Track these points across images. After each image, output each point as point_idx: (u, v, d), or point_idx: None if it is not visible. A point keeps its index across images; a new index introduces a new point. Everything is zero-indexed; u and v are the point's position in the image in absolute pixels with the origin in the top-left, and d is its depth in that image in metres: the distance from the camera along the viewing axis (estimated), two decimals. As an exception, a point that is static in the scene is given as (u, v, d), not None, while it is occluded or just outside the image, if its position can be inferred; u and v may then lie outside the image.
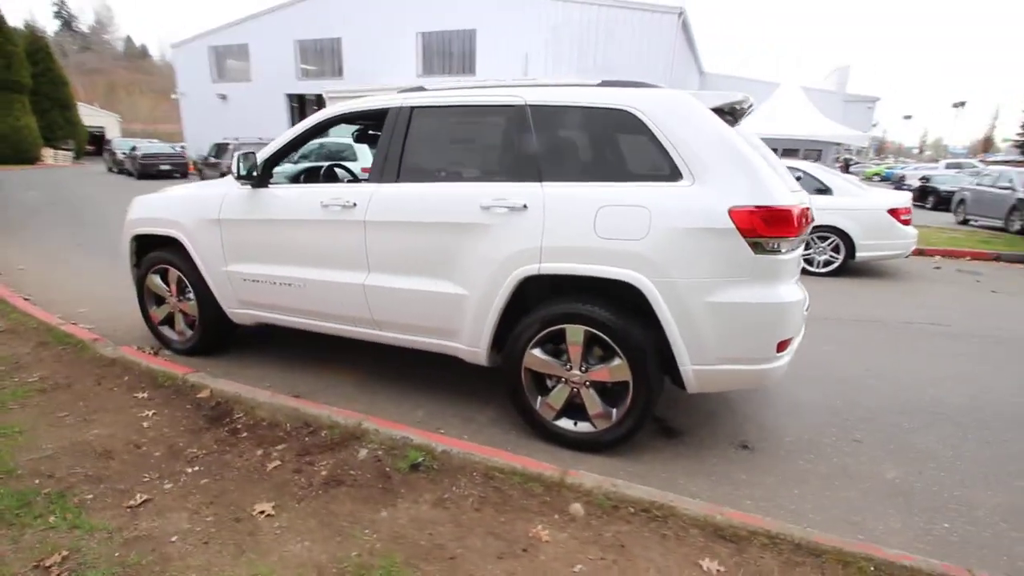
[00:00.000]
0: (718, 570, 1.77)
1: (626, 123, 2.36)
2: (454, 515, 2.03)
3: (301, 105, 24.76)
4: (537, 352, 2.53)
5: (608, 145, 2.45)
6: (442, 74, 20.47)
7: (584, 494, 2.10)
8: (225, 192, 3.23)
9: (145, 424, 2.64)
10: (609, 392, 2.49)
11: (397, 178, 2.77)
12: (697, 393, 2.52)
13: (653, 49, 16.97)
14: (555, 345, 2.53)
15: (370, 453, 2.40)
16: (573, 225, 2.34)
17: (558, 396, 2.55)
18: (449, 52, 20.55)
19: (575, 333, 2.43)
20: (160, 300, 3.71)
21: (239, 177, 3.01)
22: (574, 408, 2.56)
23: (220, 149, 14.75)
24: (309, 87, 23.26)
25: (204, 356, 3.60)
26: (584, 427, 2.54)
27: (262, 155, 3.10)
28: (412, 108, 2.78)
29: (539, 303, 2.50)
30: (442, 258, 2.63)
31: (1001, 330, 4.76)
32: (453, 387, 3.21)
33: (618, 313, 2.35)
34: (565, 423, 2.58)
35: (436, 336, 2.80)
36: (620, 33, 17.35)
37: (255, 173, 3.03)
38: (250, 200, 3.13)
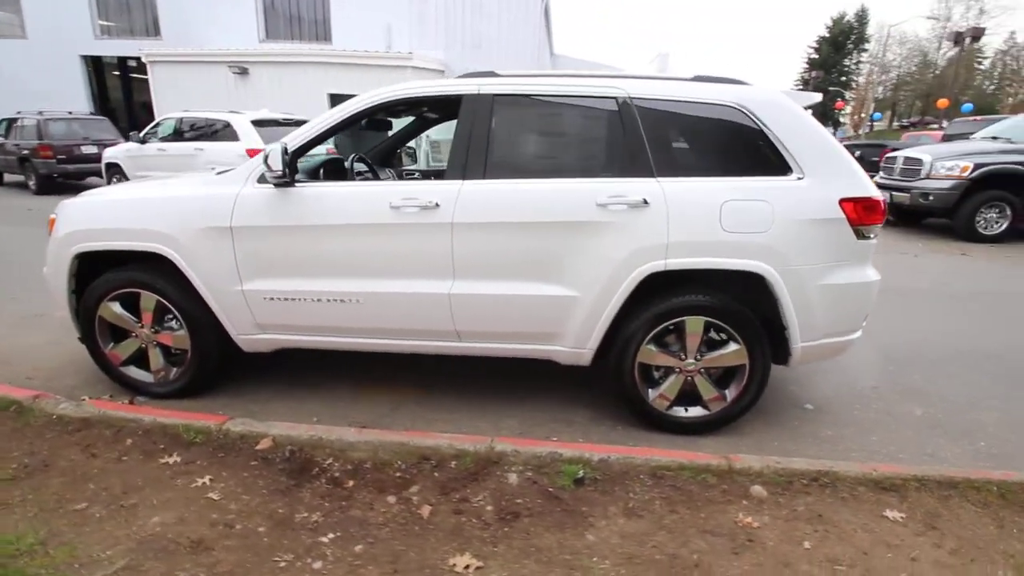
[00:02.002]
0: (900, 517, 2.04)
1: (735, 119, 2.45)
2: (656, 522, 2.00)
3: (99, 70, 20.19)
4: (651, 347, 2.56)
5: (719, 140, 2.52)
6: (290, 40, 18.22)
7: (755, 475, 2.22)
8: (236, 193, 2.59)
9: (214, 496, 2.08)
10: (720, 376, 2.63)
11: (484, 174, 2.50)
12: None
13: (521, 26, 17.20)
14: (664, 337, 2.58)
15: (520, 476, 2.21)
16: (700, 220, 2.38)
17: (672, 386, 2.61)
18: (299, 16, 18.34)
19: (695, 324, 2.50)
20: (121, 334, 2.88)
21: (279, 177, 2.44)
22: (684, 395, 2.65)
23: (10, 125, 11.43)
24: (112, 48, 18.98)
25: (191, 396, 2.91)
26: (696, 412, 2.65)
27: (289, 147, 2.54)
28: (494, 96, 2.52)
29: (647, 299, 2.51)
30: (547, 259, 2.48)
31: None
32: (527, 392, 3.07)
33: (736, 302, 2.48)
34: (677, 410, 2.66)
35: (531, 342, 2.65)
36: (488, 8, 17.22)
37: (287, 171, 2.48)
38: (278, 203, 2.56)
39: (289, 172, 2.46)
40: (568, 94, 2.51)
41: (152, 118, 14.52)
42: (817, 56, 54.68)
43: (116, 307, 2.79)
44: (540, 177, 2.50)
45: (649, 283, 2.46)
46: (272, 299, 2.65)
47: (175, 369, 2.89)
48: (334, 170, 3.13)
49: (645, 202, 2.39)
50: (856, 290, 2.50)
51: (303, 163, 2.87)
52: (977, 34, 22.63)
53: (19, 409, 2.58)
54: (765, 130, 2.43)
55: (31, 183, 11.14)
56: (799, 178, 2.42)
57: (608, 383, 2.68)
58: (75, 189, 11.67)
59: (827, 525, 2.00)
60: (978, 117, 13.47)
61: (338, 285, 2.60)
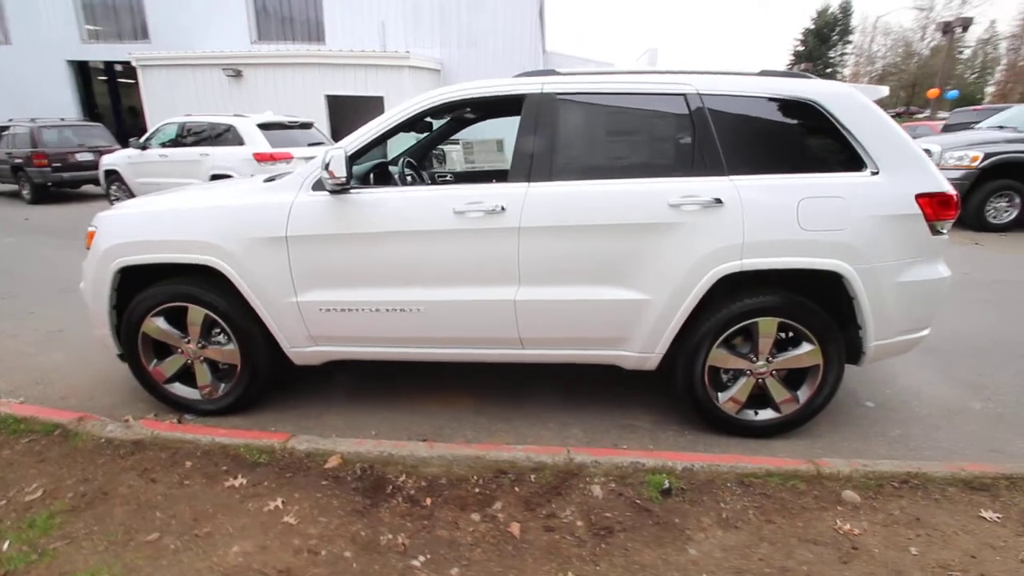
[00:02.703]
0: (996, 517, 1.99)
1: (807, 114, 2.39)
2: (755, 533, 1.94)
3: (85, 75, 19.79)
4: (722, 350, 2.50)
5: (790, 136, 2.47)
6: (283, 41, 17.94)
7: (844, 480, 2.17)
8: (290, 201, 2.49)
9: (290, 520, 1.99)
10: (790, 377, 2.58)
11: (550, 176, 2.43)
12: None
13: (517, 25, 17.08)
14: (733, 339, 2.52)
15: (604, 488, 2.14)
16: (776, 218, 2.32)
17: (743, 389, 2.55)
18: (290, 17, 18.05)
19: (769, 325, 2.44)
20: (165, 351, 2.77)
21: (342, 184, 2.34)
22: (754, 398, 2.59)
23: (0, 133, 11.13)
24: (99, 52, 18.57)
25: (240, 413, 2.81)
26: (767, 415, 2.60)
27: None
28: (556, 95, 2.44)
29: (717, 301, 2.44)
30: (616, 263, 2.41)
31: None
32: (582, 398, 3.00)
33: (810, 302, 2.42)
34: (747, 413, 2.61)
35: (597, 347, 2.58)
36: (484, 6, 17.07)
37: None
38: (335, 210, 2.47)
39: (349, 178, 2.37)
40: (634, 91, 2.44)
41: (140, 123, 14.29)
42: (803, 48, 55.02)
43: (161, 322, 2.68)
44: (608, 178, 2.42)
45: (720, 285, 2.40)
46: (328, 310, 2.55)
47: (223, 385, 2.78)
48: (381, 175, 3.03)
49: (719, 201, 2.32)
50: (930, 287, 2.45)
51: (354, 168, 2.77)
52: (966, 23, 22.84)
53: (64, 433, 2.47)
54: (838, 125, 2.38)
55: (25, 192, 10.86)
56: (873, 173, 2.37)
57: (665, 386, 2.63)
58: (71, 198, 11.44)
59: (927, 529, 1.95)
60: (978, 107, 13.58)
61: (398, 294, 2.51)
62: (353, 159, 2.50)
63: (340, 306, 2.54)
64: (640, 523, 1.98)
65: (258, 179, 3.02)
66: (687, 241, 2.35)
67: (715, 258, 2.34)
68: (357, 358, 2.73)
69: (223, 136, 8.28)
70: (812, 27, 55.93)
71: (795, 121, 2.44)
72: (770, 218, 2.33)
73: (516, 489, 2.15)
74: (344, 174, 2.30)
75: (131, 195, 9.00)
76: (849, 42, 56.09)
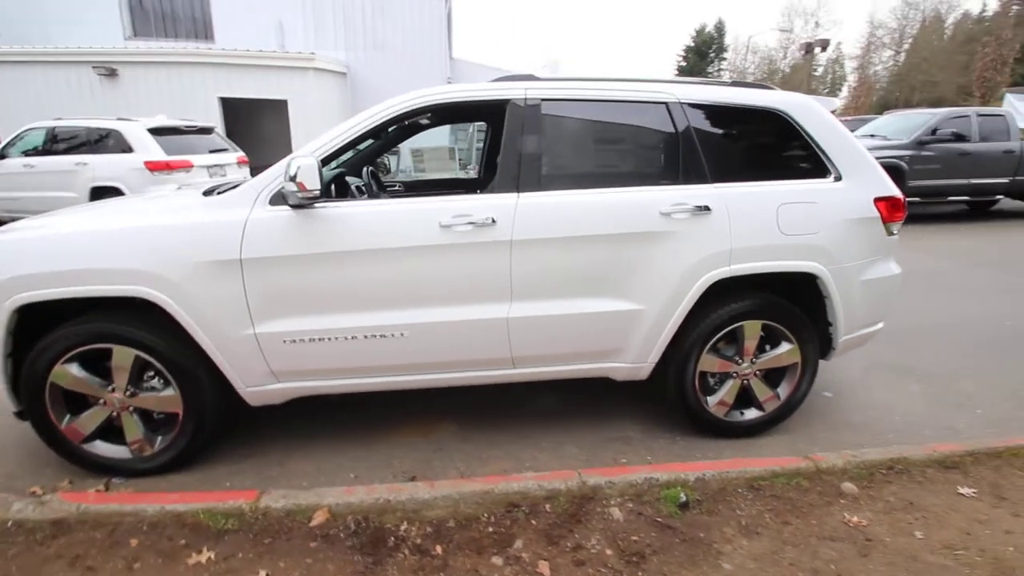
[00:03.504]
0: (972, 492, 2.17)
1: (776, 124, 2.49)
2: (777, 537, 1.94)
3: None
4: (711, 355, 2.52)
5: (763, 144, 2.54)
6: (163, 38, 16.13)
7: (840, 472, 2.25)
8: (244, 219, 2.15)
9: (282, 594, 1.68)
10: (769, 376, 2.66)
11: (539, 185, 2.31)
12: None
13: (425, 29, 16.76)
14: (718, 344, 2.55)
15: (623, 509, 2.05)
16: (760, 224, 2.38)
17: (731, 391, 2.59)
18: (172, 12, 16.29)
19: (754, 328, 2.50)
20: (80, 403, 2.28)
21: (313, 197, 2.04)
22: (739, 399, 2.64)
23: None
24: (-77, 46, 15.57)
25: (181, 470, 2.38)
26: (752, 414, 2.66)
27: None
28: (542, 101, 2.33)
29: (703, 308, 2.46)
30: (610, 273, 2.35)
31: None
32: (565, 413, 2.90)
33: (789, 303, 2.52)
34: (734, 415, 2.65)
35: (590, 361, 2.50)
36: (391, 9, 16.55)
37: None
38: (300, 227, 2.16)
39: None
40: (617, 99, 2.39)
41: (-10, 129, 12.15)
42: (685, 64, 59.84)
43: (75, 369, 2.19)
44: (597, 187, 2.35)
45: (708, 291, 2.42)
46: (294, 341, 2.23)
47: (160, 438, 2.34)
48: (339, 187, 2.74)
49: (707, 208, 2.34)
50: (887, 283, 2.65)
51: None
52: (824, 44, 26.07)
53: (-48, 520, 1.93)
54: (804, 133, 2.50)
55: None
56: (836, 179, 2.51)
57: (644, 391, 2.62)
58: None
59: (922, 511, 2.07)
60: (848, 117, 15.45)
61: (378, 318, 2.25)
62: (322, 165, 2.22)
63: (308, 336, 2.24)
64: (668, 543, 1.92)
65: (192, 192, 2.60)
66: (678, 249, 2.34)
67: (706, 265, 2.35)
68: (328, 392, 2.43)
69: (104, 142, 7.22)
70: (692, 44, 61.00)
71: (766, 130, 2.53)
72: (754, 224, 2.38)
73: (533, 522, 2.00)
74: (318, 186, 2.02)
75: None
76: (724, 59, 61.85)
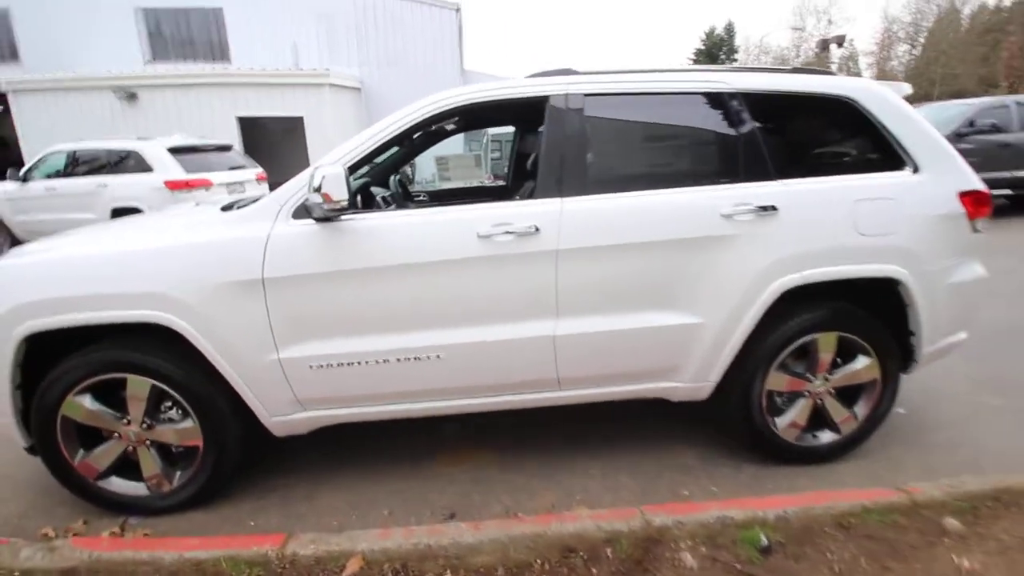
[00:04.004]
0: (1100, 529, 1.88)
1: (845, 112, 2.24)
2: (880, 586, 1.68)
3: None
4: (780, 372, 2.27)
5: (831, 135, 2.31)
6: (181, 60, 16.38)
7: (940, 506, 1.97)
8: (266, 235, 1.97)
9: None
10: (844, 394, 2.39)
11: (585, 189, 2.09)
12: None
13: (438, 43, 16.78)
14: (786, 359, 2.29)
15: (695, 554, 1.80)
16: (834, 224, 2.13)
17: (803, 412, 2.33)
18: (190, 37, 16.54)
19: (828, 341, 2.24)
20: (94, 437, 2.11)
21: (340, 209, 1.85)
22: (812, 420, 2.37)
23: None
24: (-45, 76, 16.03)
25: (202, 507, 2.19)
26: (827, 436, 2.39)
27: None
28: (585, 96, 2.12)
29: (772, 319, 2.21)
30: (666, 284, 2.12)
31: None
32: (610, 435, 2.65)
33: (866, 312, 2.26)
34: (806, 438, 2.38)
35: (644, 380, 2.26)
36: (403, 24, 16.60)
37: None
38: (327, 242, 1.98)
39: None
40: (668, 91, 2.17)
41: (12, 157, 12.38)
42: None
43: (88, 401, 2.03)
44: (649, 188, 2.13)
45: (777, 300, 2.17)
46: (322, 367, 2.04)
47: (179, 473, 2.16)
48: (364, 197, 2.55)
49: (773, 208, 2.10)
50: (973, 287, 2.37)
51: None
52: (840, 40, 25.51)
53: (-46, 573, 1.76)
54: (876, 122, 2.24)
55: None
56: (914, 172, 2.25)
57: (693, 410, 2.37)
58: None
59: (1042, 552, 1.79)
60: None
61: (411, 340, 2.05)
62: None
63: (337, 360, 2.04)
64: (752, 594, 1.66)
65: (209, 208, 2.44)
66: (743, 254, 2.10)
67: (775, 271, 2.11)
68: (357, 420, 2.22)
69: (124, 163, 7.21)
70: (702, 47, 60.65)
71: (833, 120, 2.29)
72: (828, 224, 2.13)
73: (593, 570, 1.76)
74: (346, 196, 1.83)
75: (11, 237, 7.63)
76: (735, 60, 61.34)
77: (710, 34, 59.58)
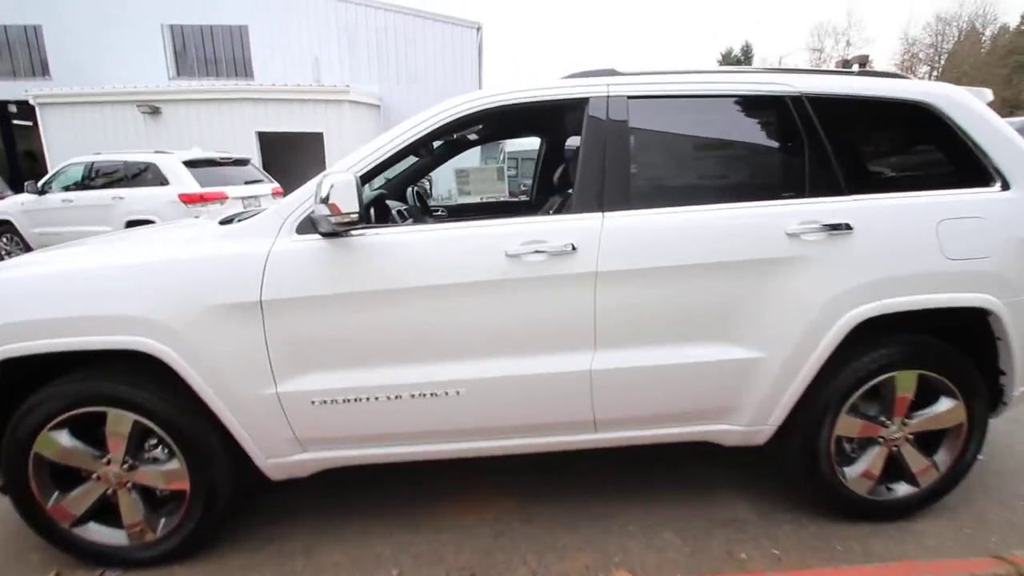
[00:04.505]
0: None
1: (923, 120, 1.96)
2: None
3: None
4: (851, 415, 1.96)
5: (907, 146, 2.04)
6: (206, 76, 16.65)
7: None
8: (266, 251, 1.74)
9: None
10: (923, 441, 2.07)
11: (629, 203, 1.83)
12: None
13: (458, 61, 16.84)
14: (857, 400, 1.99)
15: (765, 641, 1.49)
16: (917, 246, 1.84)
17: (877, 461, 2.01)
18: (213, 55, 16.83)
19: (907, 380, 1.93)
20: (71, 478, 1.87)
21: (349, 223, 1.62)
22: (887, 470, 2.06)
23: None
24: (-8, 90, 16.49)
25: (188, 558, 1.94)
26: (903, 489, 2.07)
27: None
28: (629, 99, 1.88)
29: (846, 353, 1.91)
30: (722, 313, 1.84)
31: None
32: (654, 480, 2.35)
33: (950, 347, 1.95)
34: (880, 491, 2.06)
35: (692, 423, 1.97)
36: (423, 42, 16.72)
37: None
38: (334, 260, 1.74)
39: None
40: (723, 93, 1.92)
41: (39, 170, 12.56)
42: (715, 87, 59.17)
43: (64, 437, 1.79)
44: (701, 203, 1.86)
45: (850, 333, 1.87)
46: (326, 402, 1.79)
47: (164, 520, 1.91)
48: (378, 211, 2.33)
49: (847, 227, 1.82)
50: (1076, 318, 2.05)
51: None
52: (862, 61, 25.14)
53: None
54: (959, 132, 1.96)
55: None
56: (1004, 188, 1.96)
57: (752, 459, 2.07)
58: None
59: None
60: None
61: (429, 373, 1.79)
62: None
63: (344, 395, 1.79)
64: None
65: (207, 221, 2.23)
66: (812, 279, 1.82)
67: (848, 299, 1.82)
68: (365, 463, 1.96)
69: (141, 176, 7.16)
70: (721, 68, 60.40)
71: (910, 128, 2.01)
72: (910, 246, 1.84)
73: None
74: (357, 208, 1.60)
75: (28, 249, 7.60)
76: (754, 81, 60.94)
77: (727, 55, 59.50)
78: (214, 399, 1.75)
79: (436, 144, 2.75)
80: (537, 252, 1.75)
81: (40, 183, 7.65)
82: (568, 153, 2.18)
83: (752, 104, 1.93)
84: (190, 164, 7.15)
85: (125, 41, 16.29)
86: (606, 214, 1.81)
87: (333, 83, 15.34)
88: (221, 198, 7.08)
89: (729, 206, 1.84)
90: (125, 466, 1.84)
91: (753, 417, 1.95)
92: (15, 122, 18.76)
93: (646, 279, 1.79)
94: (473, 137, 2.91)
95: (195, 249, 1.78)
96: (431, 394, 1.80)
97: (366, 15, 16.60)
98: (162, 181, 7.05)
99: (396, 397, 1.80)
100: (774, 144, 1.96)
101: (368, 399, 1.79)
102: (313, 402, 1.79)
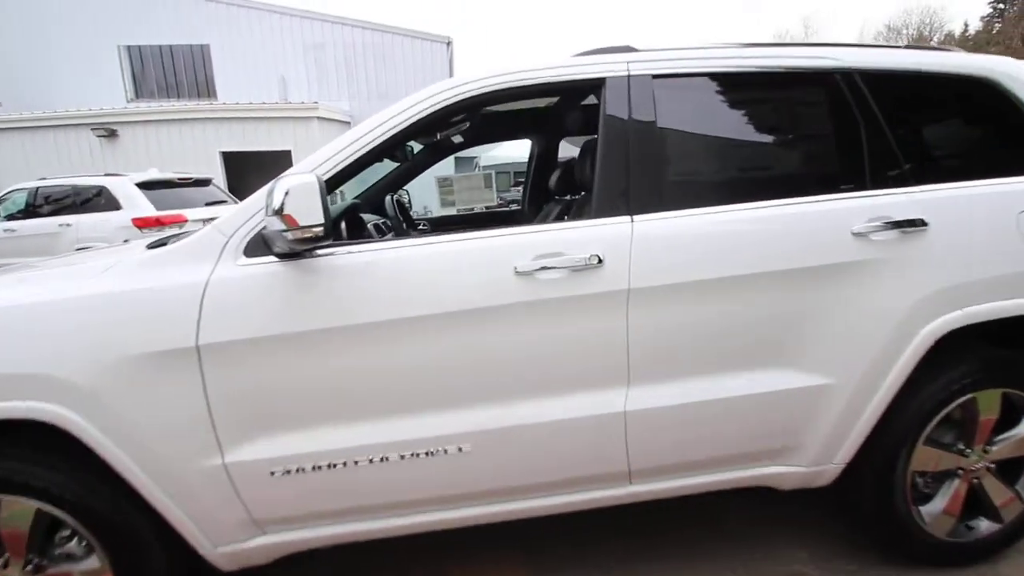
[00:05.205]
0: None
1: (985, 98, 1.69)
2: None
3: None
4: (928, 446, 1.64)
5: (971, 127, 1.76)
6: (166, 98, 16.00)
7: None
8: (204, 280, 1.34)
9: None
10: (1004, 470, 1.76)
11: (661, 203, 1.50)
12: None
13: (428, 76, 16.52)
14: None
15: None
16: (999, 243, 1.55)
17: (955, 496, 1.69)
18: (174, 72, 16.19)
19: (990, 400, 1.63)
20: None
21: (313, 240, 1.24)
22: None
23: None
24: (-73, 119, 15.50)
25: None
26: (984, 526, 1.75)
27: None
28: (653, 78, 1.55)
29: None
30: (779, 332, 1.51)
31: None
32: (693, 536, 1.99)
33: None
34: (960, 530, 1.74)
35: (743, 466, 1.63)
36: (393, 58, 16.38)
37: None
38: (291, 287, 1.36)
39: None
40: (765, 68, 1.61)
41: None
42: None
43: (-56, 536, 1.35)
44: (746, 200, 1.54)
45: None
46: (288, 472, 1.39)
47: (83, 634, 1.47)
48: (350, 224, 1.94)
49: (922, 223, 1.51)
50: None
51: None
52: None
53: None
54: (1025, 109, 1.69)
55: None
56: (1072, 173, 1.69)
57: (804, 500, 1.74)
58: None
59: None
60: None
61: (422, 426, 1.41)
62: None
63: (313, 461, 1.39)
64: None
65: (136, 244, 1.82)
66: (883, 287, 1.51)
67: (929, 309, 1.51)
68: (342, 542, 1.55)
69: (93, 201, 6.60)
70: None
71: (973, 107, 1.73)
72: (990, 242, 1.55)
73: None
74: (321, 220, 1.22)
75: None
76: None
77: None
78: (141, 477, 1.33)
79: (417, 146, 2.39)
80: (556, 267, 1.40)
81: (-22, 213, 7.01)
82: (586, 146, 1.83)
83: (797, 81, 1.62)
84: (145, 186, 6.63)
85: (79, 65, 15.57)
86: (636, 217, 1.47)
87: (300, 99, 14.89)
88: (179, 221, 6.56)
89: (782, 203, 1.52)
90: (29, 567, 1.40)
91: (817, 456, 1.61)
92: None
93: (688, 295, 1.45)
94: (458, 139, 2.56)
95: (110, 282, 1.37)
96: (427, 453, 1.42)
97: (333, 31, 16.25)
98: (114, 205, 6.51)
99: (382, 460, 1.41)
100: (825, 127, 1.65)
101: (345, 464, 1.40)
102: (272, 472, 1.38)
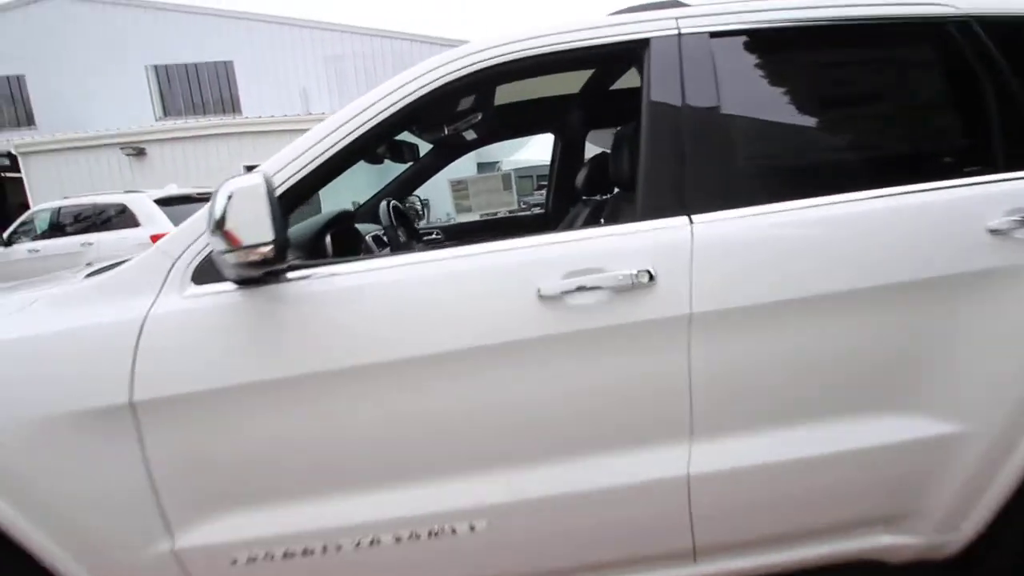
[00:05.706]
0: None
1: None
2: None
3: (-44, 171, 17.13)
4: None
5: None
6: (192, 115, 16.30)
7: None
8: (140, 316, 1.05)
9: None
10: None
11: (726, 199, 1.14)
12: None
13: (448, 81, 16.41)
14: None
15: None
16: None
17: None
18: (200, 89, 16.48)
19: None
20: None
21: (262, 263, 0.95)
22: None
23: None
24: (-27, 144, 16.16)
25: None
26: None
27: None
28: (711, 37, 1.20)
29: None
30: (893, 366, 1.13)
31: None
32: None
33: None
34: None
35: (844, 537, 1.25)
36: (412, 64, 16.24)
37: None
38: (251, 323, 1.05)
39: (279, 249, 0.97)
40: (853, 17, 1.24)
41: (30, 219, 12.09)
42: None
43: None
44: (839, 190, 1.17)
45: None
46: (255, 559, 1.08)
47: None
48: (339, 239, 1.64)
49: (1086, 213, 1.12)
50: None
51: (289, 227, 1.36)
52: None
53: None
54: None
55: None
56: None
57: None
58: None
59: None
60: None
61: (428, 498, 1.09)
62: (290, 202, 1.13)
63: (288, 544, 1.08)
64: None
65: (71, 274, 1.57)
66: (1031, 302, 1.12)
67: (1097, 331, 1.12)
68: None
69: (114, 219, 6.56)
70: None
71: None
72: None
73: None
74: (271, 236, 0.92)
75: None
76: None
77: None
78: (69, 567, 1.05)
79: (424, 149, 2.09)
80: (590, 287, 1.06)
81: (6, 234, 7.08)
82: (623, 131, 1.49)
83: (897, 34, 1.25)
84: (164, 202, 6.56)
85: (111, 86, 16.03)
86: (696, 217, 1.12)
87: (322, 111, 14.93)
88: (198, 236, 6.46)
89: (890, 192, 1.14)
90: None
91: (940, 522, 1.22)
92: (6, 175, 18.46)
93: (769, 321, 1.09)
94: (471, 135, 2.24)
95: (21, 324, 1.09)
96: (429, 533, 1.10)
97: (352, 42, 16.31)
98: (134, 223, 6.45)
99: (371, 542, 1.09)
100: (938, 93, 1.27)
101: (325, 548, 1.09)
102: (235, 561, 1.08)
